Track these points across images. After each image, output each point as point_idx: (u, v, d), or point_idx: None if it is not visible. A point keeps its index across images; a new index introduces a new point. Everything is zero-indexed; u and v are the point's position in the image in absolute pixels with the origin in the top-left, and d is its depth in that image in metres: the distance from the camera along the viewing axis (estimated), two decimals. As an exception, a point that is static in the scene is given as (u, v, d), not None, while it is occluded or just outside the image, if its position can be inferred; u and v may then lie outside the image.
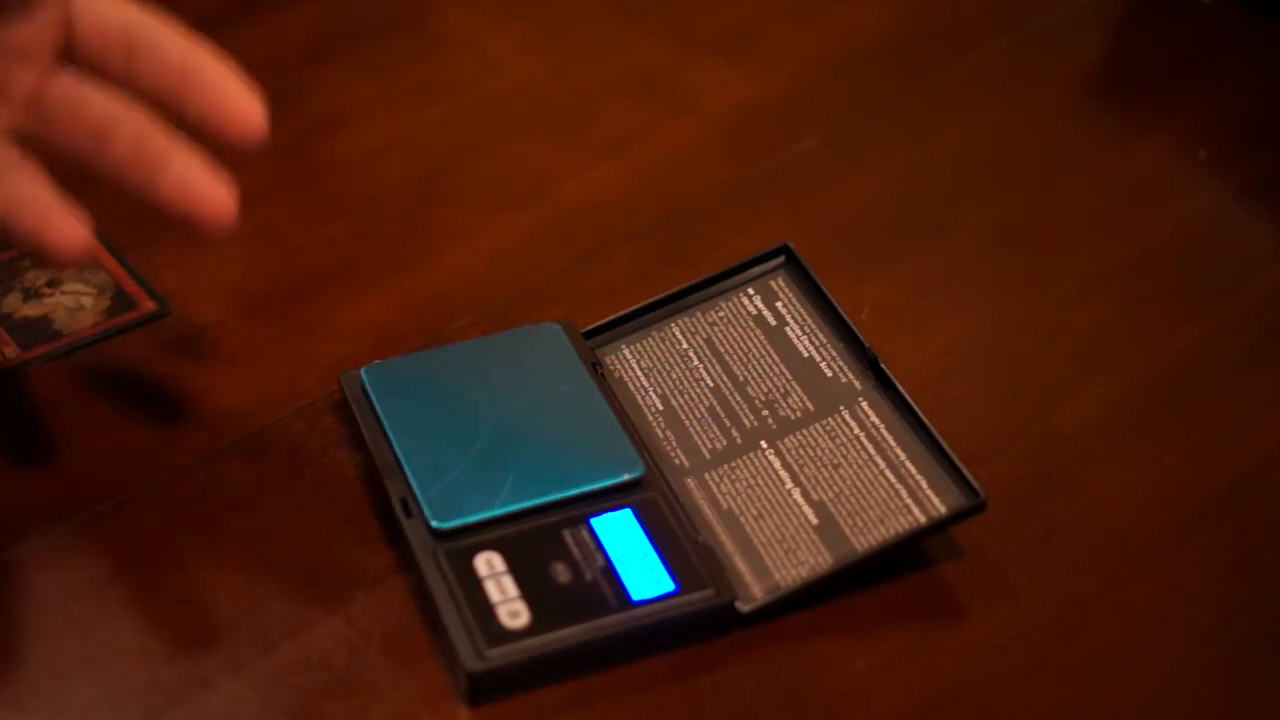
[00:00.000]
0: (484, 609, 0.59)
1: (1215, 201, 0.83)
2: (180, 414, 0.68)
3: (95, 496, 0.64)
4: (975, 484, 0.62)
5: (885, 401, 0.66)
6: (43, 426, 0.67)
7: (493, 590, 0.60)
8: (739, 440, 0.66)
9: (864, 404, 0.66)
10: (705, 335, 0.70)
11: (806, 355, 0.68)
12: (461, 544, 0.61)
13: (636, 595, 0.60)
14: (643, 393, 0.68)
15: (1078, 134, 0.86)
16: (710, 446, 0.66)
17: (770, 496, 0.64)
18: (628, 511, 0.62)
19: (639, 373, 0.69)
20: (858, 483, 0.64)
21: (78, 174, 0.77)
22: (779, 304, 0.70)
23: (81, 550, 0.63)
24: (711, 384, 0.68)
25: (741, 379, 0.68)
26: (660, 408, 0.67)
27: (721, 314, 0.70)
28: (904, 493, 0.63)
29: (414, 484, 0.62)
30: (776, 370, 0.68)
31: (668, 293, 0.70)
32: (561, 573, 0.60)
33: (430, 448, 0.64)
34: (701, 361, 0.69)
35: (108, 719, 0.58)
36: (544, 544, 0.61)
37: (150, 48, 0.58)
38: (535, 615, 0.59)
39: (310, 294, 0.74)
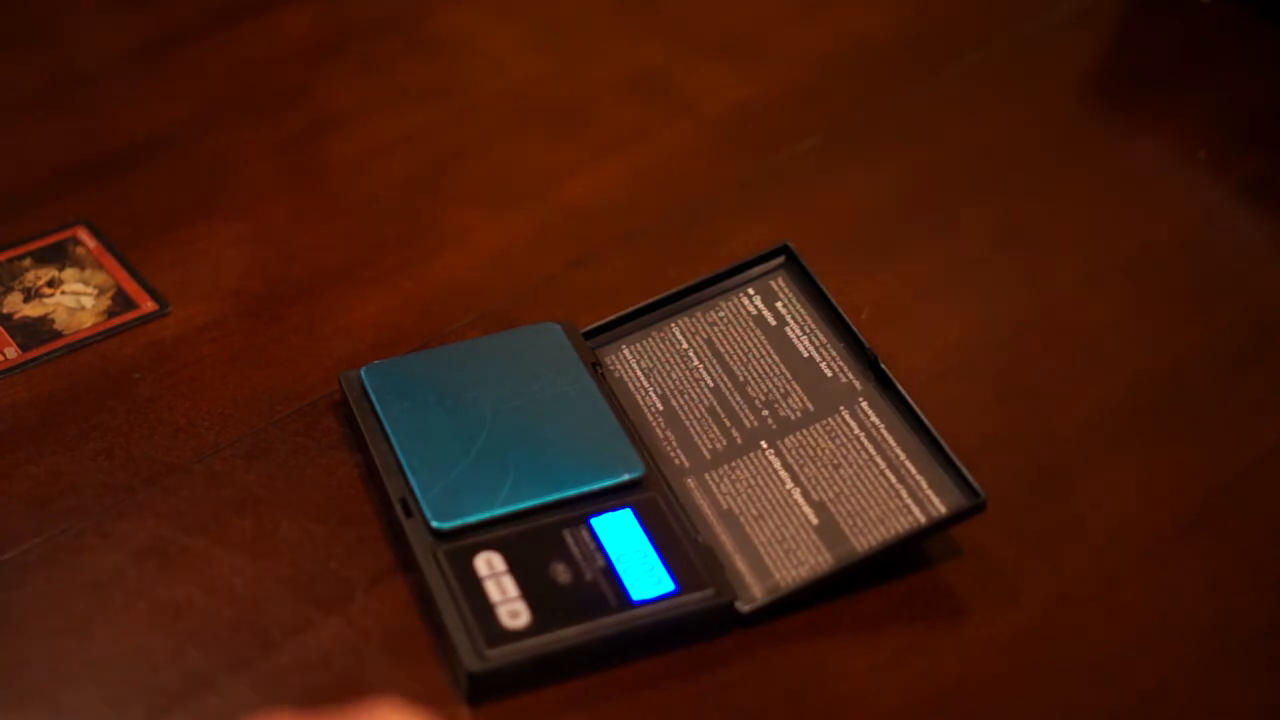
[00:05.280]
0: (484, 609, 0.59)
1: (1215, 201, 0.82)
2: (180, 414, 0.68)
3: (95, 497, 0.64)
4: (975, 484, 0.62)
5: (885, 401, 0.66)
6: (43, 426, 0.67)
7: (493, 590, 0.60)
8: (739, 440, 0.66)
9: (864, 404, 0.66)
10: (705, 335, 0.69)
11: (806, 355, 0.68)
12: (461, 544, 0.61)
13: (636, 595, 0.60)
14: (643, 393, 0.68)
15: (1078, 134, 0.86)
16: (710, 446, 0.66)
17: (770, 496, 0.64)
18: (628, 511, 0.62)
19: (639, 373, 0.68)
20: (858, 483, 0.64)
21: (77, 171, 0.77)
22: (779, 304, 0.70)
23: (82, 550, 0.62)
24: (711, 384, 0.68)
25: (741, 379, 0.68)
26: (660, 408, 0.67)
27: (721, 314, 0.70)
28: (904, 493, 0.63)
29: (414, 484, 0.62)
30: (776, 370, 0.68)
31: (668, 293, 0.70)
32: (561, 573, 0.60)
33: (430, 448, 0.64)
34: (701, 361, 0.69)
35: (108, 719, 0.58)
36: (544, 544, 0.61)
37: None
38: (535, 615, 0.59)
39: (310, 294, 0.74)
